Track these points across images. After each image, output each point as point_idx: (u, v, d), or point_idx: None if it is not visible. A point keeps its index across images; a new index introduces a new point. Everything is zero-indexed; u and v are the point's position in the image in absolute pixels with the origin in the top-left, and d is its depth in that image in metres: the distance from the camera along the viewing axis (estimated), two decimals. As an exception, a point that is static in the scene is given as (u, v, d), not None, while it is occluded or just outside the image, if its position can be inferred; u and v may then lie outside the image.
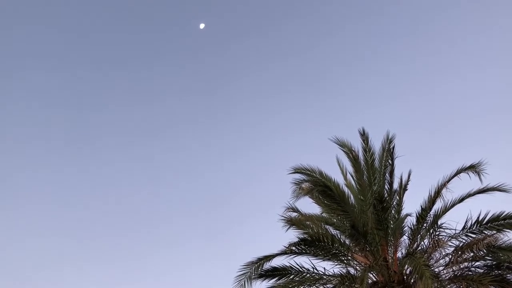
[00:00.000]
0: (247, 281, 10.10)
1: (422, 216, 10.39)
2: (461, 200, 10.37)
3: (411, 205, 11.01)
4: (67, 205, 27.16)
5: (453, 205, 10.38)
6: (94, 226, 26.78)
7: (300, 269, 10.60)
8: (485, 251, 9.85)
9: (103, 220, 27.16)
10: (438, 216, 10.33)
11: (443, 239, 10.08)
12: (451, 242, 10.11)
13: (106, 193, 27.72)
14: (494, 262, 10.11)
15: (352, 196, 11.29)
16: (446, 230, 10.14)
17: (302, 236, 10.70)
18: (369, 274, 10.14)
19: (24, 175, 27.32)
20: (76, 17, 27.31)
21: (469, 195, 10.33)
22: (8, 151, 27.12)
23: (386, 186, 11.16)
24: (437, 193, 10.46)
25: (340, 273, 10.52)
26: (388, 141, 11.47)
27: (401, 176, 11.10)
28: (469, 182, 10.49)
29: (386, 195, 10.93)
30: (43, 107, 27.97)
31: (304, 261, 10.61)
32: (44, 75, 27.61)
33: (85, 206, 27.31)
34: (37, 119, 27.99)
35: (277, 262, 10.53)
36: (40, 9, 26.93)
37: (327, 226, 11.21)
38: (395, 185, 11.14)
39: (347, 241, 10.73)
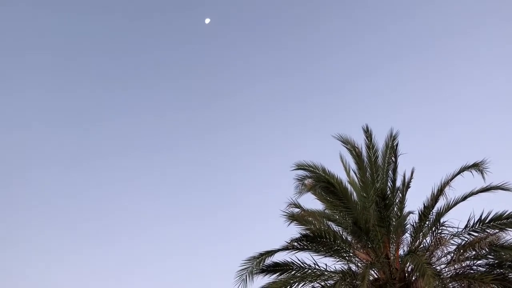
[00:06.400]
0: (249, 275, 10.12)
1: (424, 214, 10.37)
2: (464, 198, 10.33)
3: (414, 203, 11.01)
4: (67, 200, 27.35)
5: (456, 203, 10.34)
6: (94, 225, 26.97)
7: (302, 265, 10.61)
8: (487, 249, 9.84)
9: (104, 218, 27.35)
10: (440, 214, 10.30)
11: (445, 237, 10.06)
12: (453, 241, 10.08)
13: (107, 190, 27.86)
14: (496, 261, 10.09)
15: (354, 193, 11.28)
16: (448, 228, 10.09)
17: (304, 232, 10.72)
18: (370, 271, 10.14)
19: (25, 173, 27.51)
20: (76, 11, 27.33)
21: (472, 194, 10.28)
22: (10, 149, 27.27)
23: (389, 184, 11.14)
24: (440, 191, 10.42)
25: (342, 269, 10.52)
26: (392, 138, 11.45)
27: (404, 174, 11.10)
28: (472, 181, 10.46)
29: (388, 192, 10.90)
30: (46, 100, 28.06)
31: (306, 257, 10.63)
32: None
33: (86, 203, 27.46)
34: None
35: (279, 257, 10.55)
36: None
37: (329, 223, 11.23)
38: (398, 183, 11.13)
39: (349, 238, 10.74)
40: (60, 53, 27.50)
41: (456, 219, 10.08)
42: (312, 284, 10.59)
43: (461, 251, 9.88)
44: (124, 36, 28.56)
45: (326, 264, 10.58)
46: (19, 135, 27.25)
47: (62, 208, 27.26)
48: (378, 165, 11.37)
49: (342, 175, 11.73)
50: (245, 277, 10.11)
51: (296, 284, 10.47)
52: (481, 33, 24.53)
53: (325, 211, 11.65)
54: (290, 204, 11.64)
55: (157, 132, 28.89)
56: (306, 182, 11.49)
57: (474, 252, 9.89)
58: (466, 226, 10.03)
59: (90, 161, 28.06)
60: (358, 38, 27.11)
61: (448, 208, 10.32)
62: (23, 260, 25.18)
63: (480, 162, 10.43)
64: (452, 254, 10.04)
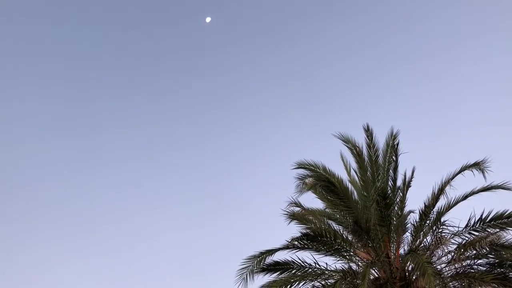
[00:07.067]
0: (249, 274, 10.13)
1: (425, 213, 10.37)
2: (465, 197, 10.33)
3: (415, 202, 11.02)
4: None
5: (456, 202, 10.34)
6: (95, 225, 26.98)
7: (302, 264, 10.61)
8: (487, 249, 9.85)
9: (103, 216, 27.35)
10: (441, 213, 10.30)
11: (445, 236, 10.07)
12: (454, 240, 10.09)
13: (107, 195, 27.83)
14: (497, 260, 10.09)
15: (355, 192, 11.28)
16: (449, 228, 10.12)
17: (304, 231, 10.72)
18: (371, 270, 10.13)
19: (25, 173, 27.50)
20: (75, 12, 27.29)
21: (473, 193, 10.29)
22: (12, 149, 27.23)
23: (389, 183, 11.13)
24: (441, 190, 10.42)
25: (342, 268, 10.52)
26: (392, 137, 11.43)
27: (405, 173, 11.07)
28: (473, 180, 10.46)
29: (389, 191, 10.90)
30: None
31: (306, 256, 10.64)
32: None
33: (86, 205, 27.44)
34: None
35: (279, 256, 10.57)
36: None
37: (330, 221, 11.22)
38: (399, 182, 11.11)
39: (350, 237, 10.74)
40: (60, 59, 27.53)
41: (457, 218, 10.12)
42: (312, 283, 10.60)
43: (462, 250, 9.89)
44: (123, 36, 28.54)
45: (326, 263, 10.60)
46: (20, 142, 27.29)
47: (64, 213, 27.29)
48: (379, 164, 11.35)
49: (342, 174, 11.76)
50: (245, 276, 10.12)
51: (297, 283, 10.47)
52: (481, 35, 24.59)
53: (326, 210, 11.65)
54: (291, 203, 11.63)
55: (157, 134, 28.85)
56: (306, 181, 11.49)
57: (474, 252, 9.90)
58: (466, 226, 10.04)
59: (90, 167, 28.09)
60: (359, 42, 27.17)
61: (449, 207, 10.33)
62: (25, 264, 25.25)
63: (481, 161, 10.45)
64: (452, 253, 10.04)
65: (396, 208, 10.92)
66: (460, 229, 10.05)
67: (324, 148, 20.27)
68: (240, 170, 28.01)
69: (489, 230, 9.89)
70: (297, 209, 11.61)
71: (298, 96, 27.78)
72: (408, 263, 10.10)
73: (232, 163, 28.13)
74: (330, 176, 11.26)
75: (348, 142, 11.66)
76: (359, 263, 10.61)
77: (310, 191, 11.75)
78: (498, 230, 9.85)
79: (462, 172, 10.55)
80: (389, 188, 11.04)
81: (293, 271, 10.63)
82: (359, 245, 10.65)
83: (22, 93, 27.33)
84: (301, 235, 10.27)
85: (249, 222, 25.90)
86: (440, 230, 10.19)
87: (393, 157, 11.25)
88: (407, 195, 11.08)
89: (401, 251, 10.67)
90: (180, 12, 28.13)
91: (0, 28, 26.16)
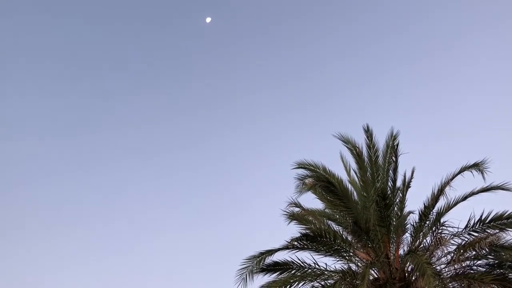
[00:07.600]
0: (249, 275, 10.14)
1: (424, 213, 10.37)
2: (465, 198, 10.33)
3: (414, 202, 11.02)
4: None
5: (456, 203, 10.34)
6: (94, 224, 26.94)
7: (302, 264, 10.62)
8: (487, 250, 9.83)
9: (107, 226, 27.32)
10: (440, 214, 10.30)
11: (445, 237, 10.07)
12: (454, 241, 10.09)
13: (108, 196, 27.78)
14: (496, 261, 10.10)
15: (355, 193, 11.29)
16: (448, 228, 10.11)
17: (304, 231, 10.72)
18: (370, 270, 10.14)
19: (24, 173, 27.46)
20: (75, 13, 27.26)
21: (473, 194, 10.29)
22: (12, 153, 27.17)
23: (389, 183, 11.12)
24: (440, 191, 10.42)
25: (342, 269, 10.53)
26: (392, 138, 11.43)
27: (405, 173, 11.08)
28: (472, 181, 10.46)
29: (389, 192, 10.89)
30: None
31: (306, 257, 10.65)
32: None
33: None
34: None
35: (279, 256, 10.57)
36: None
37: (329, 222, 11.23)
38: (399, 182, 11.11)
39: (349, 237, 10.74)
40: (59, 59, 27.49)
41: (457, 219, 10.11)
42: (312, 283, 10.60)
43: (461, 251, 9.88)
44: (123, 36, 28.51)
45: (326, 264, 10.61)
46: (20, 142, 27.24)
47: (63, 213, 27.26)
48: (378, 165, 11.35)
49: (342, 175, 11.77)
50: (245, 276, 10.13)
51: (296, 283, 10.48)
52: (481, 35, 24.60)
53: (326, 210, 11.65)
54: (291, 203, 11.63)
55: (157, 134, 28.81)
56: (306, 181, 11.46)
57: (474, 252, 9.89)
58: (466, 226, 10.04)
59: (89, 167, 28.05)
60: (359, 42, 27.17)
61: (449, 208, 10.32)
62: (25, 264, 25.23)
63: (481, 162, 10.44)
64: (452, 254, 10.04)
65: (395, 208, 10.93)
66: (459, 229, 10.06)
67: (324, 148, 20.29)
68: (240, 170, 28.02)
69: (488, 231, 9.89)
70: (297, 209, 11.62)
71: (298, 96, 27.80)
72: (408, 263, 10.11)
73: (232, 163, 28.12)
74: (330, 176, 11.27)
75: (348, 142, 11.67)
76: (359, 263, 10.61)
77: (310, 192, 11.74)
78: (497, 231, 9.85)
79: (462, 173, 10.55)
80: (388, 188, 11.03)
81: (292, 272, 10.64)
82: (359, 245, 10.65)
83: (22, 93, 27.31)
84: (300, 236, 10.27)
85: (249, 222, 25.91)
86: (440, 230, 10.19)
87: (393, 157, 11.24)
88: (407, 196, 11.10)
89: (401, 251, 10.68)
90: (180, 12, 28.13)
91: (0, 28, 26.11)
